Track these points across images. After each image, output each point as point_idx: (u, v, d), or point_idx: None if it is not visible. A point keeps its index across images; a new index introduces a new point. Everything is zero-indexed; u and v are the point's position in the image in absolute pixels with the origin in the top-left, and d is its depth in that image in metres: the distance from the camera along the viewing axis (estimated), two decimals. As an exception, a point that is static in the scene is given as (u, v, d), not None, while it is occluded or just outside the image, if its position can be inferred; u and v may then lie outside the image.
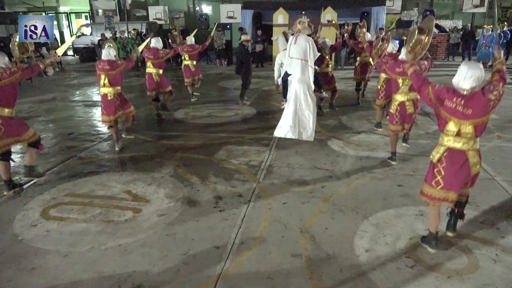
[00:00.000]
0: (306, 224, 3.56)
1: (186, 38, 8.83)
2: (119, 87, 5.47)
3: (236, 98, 8.97)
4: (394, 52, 6.01)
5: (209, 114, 7.89)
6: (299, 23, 5.38)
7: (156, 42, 7.27)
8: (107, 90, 5.40)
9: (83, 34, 19.19)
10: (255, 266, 2.99)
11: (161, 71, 7.20)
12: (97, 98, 9.89)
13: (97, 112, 8.31)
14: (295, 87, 5.52)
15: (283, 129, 5.57)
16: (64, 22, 23.07)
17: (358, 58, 8.15)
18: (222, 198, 4.13)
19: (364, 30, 7.41)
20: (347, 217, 3.69)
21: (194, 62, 8.84)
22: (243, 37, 8.49)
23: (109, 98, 5.42)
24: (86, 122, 7.53)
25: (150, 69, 7.20)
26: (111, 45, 5.62)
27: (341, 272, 2.91)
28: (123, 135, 6.09)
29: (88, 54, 18.39)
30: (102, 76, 5.36)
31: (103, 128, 7.01)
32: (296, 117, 5.50)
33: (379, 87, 6.01)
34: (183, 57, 8.81)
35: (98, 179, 4.69)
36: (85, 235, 3.45)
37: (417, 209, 3.79)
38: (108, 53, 5.40)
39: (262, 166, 4.99)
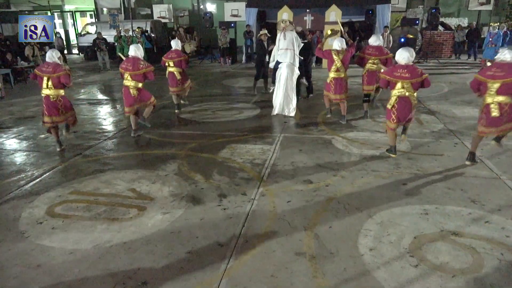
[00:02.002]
0: (310, 223, 3.56)
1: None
2: (62, 90, 5.50)
3: (240, 97, 9.08)
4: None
5: (213, 112, 7.90)
6: (282, 22, 6.97)
7: (135, 50, 6.01)
8: (49, 92, 5.43)
9: (88, 33, 19.28)
10: (259, 264, 2.99)
11: (140, 85, 6.01)
12: (101, 96, 9.93)
13: (101, 111, 8.36)
14: (283, 72, 7.11)
15: (274, 107, 7.35)
16: (69, 21, 23.16)
17: (365, 66, 6.94)
18: (226, 196, 4.14)
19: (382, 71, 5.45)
20: (351, 215, 3.69)
21: (181, 70, 7.67)
22: (261, 32, 9.09)
23: (51, 99, 5.46)
24: (91, 120, 7.57)
25: (127, 81, 5.98)
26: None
27: (345, 270, 2.90)
28: (63, 133, 5.95)
29: (93, 53, 18.45)
30: (45, 78, 5.39)
31: (108, 127, 7.06)
32: (283, 96, 7.19)
33: (389, 107, 4.96)
34: (167, 64, 7.63)
35: (103, 177, 4.71)
36: (90, 233, 3.48)
37: (421, 208, 3.77)
38: (52, 55, 5.46)
39: (266, 164, 4.99)
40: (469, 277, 2.79)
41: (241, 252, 3.15)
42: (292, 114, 7.22)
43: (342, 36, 6.78)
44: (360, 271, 2.89)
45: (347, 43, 6.65)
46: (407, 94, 4.80)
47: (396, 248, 3.16)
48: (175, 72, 7.58)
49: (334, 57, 6.45)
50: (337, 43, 6.50)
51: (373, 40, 6.90)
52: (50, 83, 5.39)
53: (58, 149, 5.70)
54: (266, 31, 9.01)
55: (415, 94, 4.85)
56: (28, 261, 3.09)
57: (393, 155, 5.11)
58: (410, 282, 2.76)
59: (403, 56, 4.81)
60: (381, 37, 7.07)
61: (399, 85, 4.81)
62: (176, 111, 7.84)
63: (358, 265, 2.96)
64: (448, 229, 3.41)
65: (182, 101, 8.18)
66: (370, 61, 6.82)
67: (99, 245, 3.29)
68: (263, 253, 3.13)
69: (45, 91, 5.45)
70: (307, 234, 3.38)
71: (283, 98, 7.21)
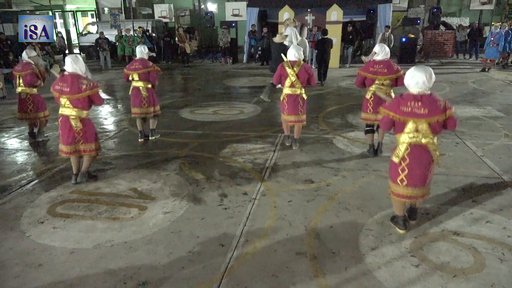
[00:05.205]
0: (311, 222, 3.56)
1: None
2: (34, 89, 5.97)
3: (241, 97, 9.08)
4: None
5: (214, 112, 7.90)
6: (287, 20, 8.10)
7: (72, 64, 4.18)
8: (21, 89, 5.96)
9: (89, 33, 19.29)
10: (260, 264, 2.99)
11: (84, 114, 4.28)
12: (102, 96, 9.92)
13: (102, 110, 8.36)
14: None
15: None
16: (70, 21, 23.20)
17: (370, 88, 4.84)
18: (227, 196, 4.14)
19: (388, 98, 3.67)
20: (352, 215, 3.68)
21: (149, 85, 5.75)
22: (285, 31, 8.70)
23: (22, 96, 5.97)
24: (92, 120, 7.54)
25: (66, 109, 4.24)
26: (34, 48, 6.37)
27: (346, 270, 2.90)
28: (39, 139, 6.15)
29: (94, 52, 18.46)
30: (17, 77, 5.94)
31: (109, 126, 7.07)
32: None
33: (397, 160, 3.18)
34: (130, 77, 5.74)
35: (104, 176, 4.72)
36: (91, 232, 3.48)
37: (422, 208, 3.77)
38: (25, 55, 5.99)
39: (267, 164, 4.99)
40: (470, 277, 2.79)
41: (242, 252, 3.15)
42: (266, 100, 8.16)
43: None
44: (361, 271, 2.89)
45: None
46: (423, 141, 3.06)
47: (397, 248, 3.15)
48: (141, 88, 5.70)
49: (288, 69, 5.04)
50: (292, 52, 5.08)
51: (381, 54, 4.74)
52: (21, 81, 5.91)
53: (28, 142, 6.12)
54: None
55: (435, 140, 3.10)
56: (29, 260, 3.10)
57: (402, 231, 3.34)
58: (411, 282, 2.76)
59: (416, 79, 3.00)
60: (386, 46, 4.87)
61: (410, 126, 3.05)
62: (139, 139, 6.00)
63: (359, 265, 2.95)
64: (449, 229, 3.40)
65: (151, 136, 6.12)
66: (376, 81, 4.74)
67: (100, 244, 3.29)
68: (264, 253, 3.13)
69: (18, 89, 5.97)
70: (308, 234, 3.38)
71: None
